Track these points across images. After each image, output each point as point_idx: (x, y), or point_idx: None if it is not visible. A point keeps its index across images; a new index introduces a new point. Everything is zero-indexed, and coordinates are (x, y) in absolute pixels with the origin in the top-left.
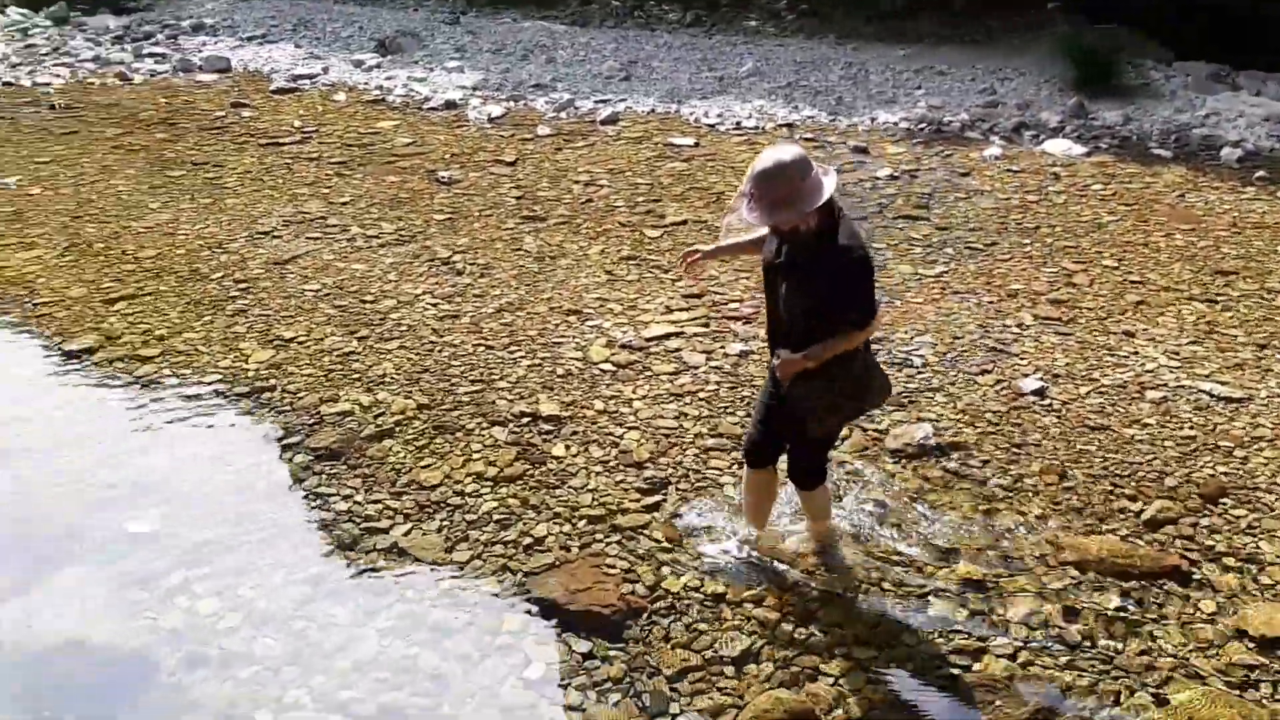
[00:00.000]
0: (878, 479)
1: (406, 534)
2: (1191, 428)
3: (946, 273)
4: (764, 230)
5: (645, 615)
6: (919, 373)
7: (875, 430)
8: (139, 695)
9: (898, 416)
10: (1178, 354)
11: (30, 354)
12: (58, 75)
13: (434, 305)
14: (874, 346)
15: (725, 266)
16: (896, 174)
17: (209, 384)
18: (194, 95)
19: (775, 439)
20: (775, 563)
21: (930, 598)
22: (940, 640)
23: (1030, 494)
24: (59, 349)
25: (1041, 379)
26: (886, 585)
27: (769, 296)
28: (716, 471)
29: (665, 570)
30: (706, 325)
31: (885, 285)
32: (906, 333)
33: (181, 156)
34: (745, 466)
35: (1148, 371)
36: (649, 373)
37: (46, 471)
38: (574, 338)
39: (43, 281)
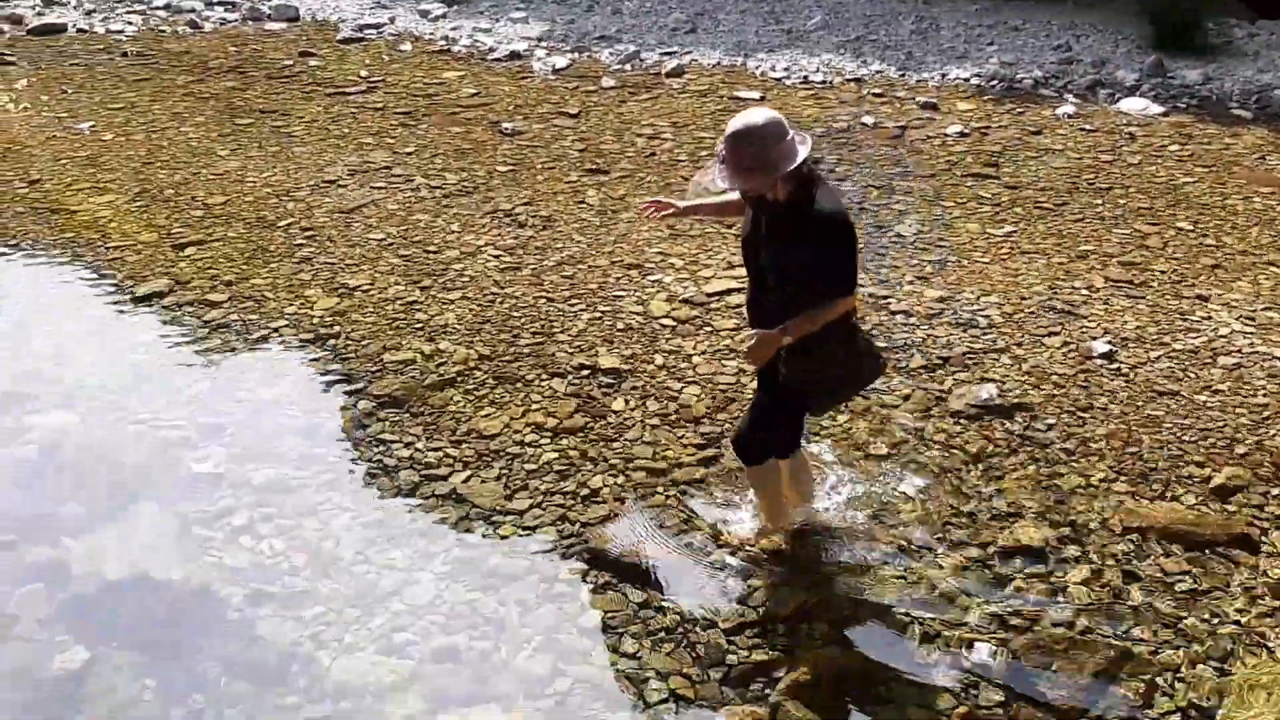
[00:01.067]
0: (940, 439)
1: (465, 481)
2: (1265, 395)
3: (1015, 232)
4: (736, 194)
5: (701, 568)
6: (984, 333)
7: (938, 390)
8: (205, 631)
9: (961, 376)
10: (1253, 319)
11: (102, 297)
12: (130, 23)
13: (496, 257)
14: (939, 305)
15: None
16: (966, 131)
17: (275, 329)
18: (262, 44)
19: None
20: (830, 524)
21: (989, 559)
22: (998, 603)
23: (1095, 458)
24: (130, 292)
25: (1111, 342)
26: (943, 548)
27: (748, 272)
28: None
29: (720, 526)
30: None
31: (952, 244)
32: (972, 292)
33: (250, 105)
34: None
35: (1221, 337)
36: (709, 328)
37: (117, 411)
38: (635, 292)
39: (115, 226)
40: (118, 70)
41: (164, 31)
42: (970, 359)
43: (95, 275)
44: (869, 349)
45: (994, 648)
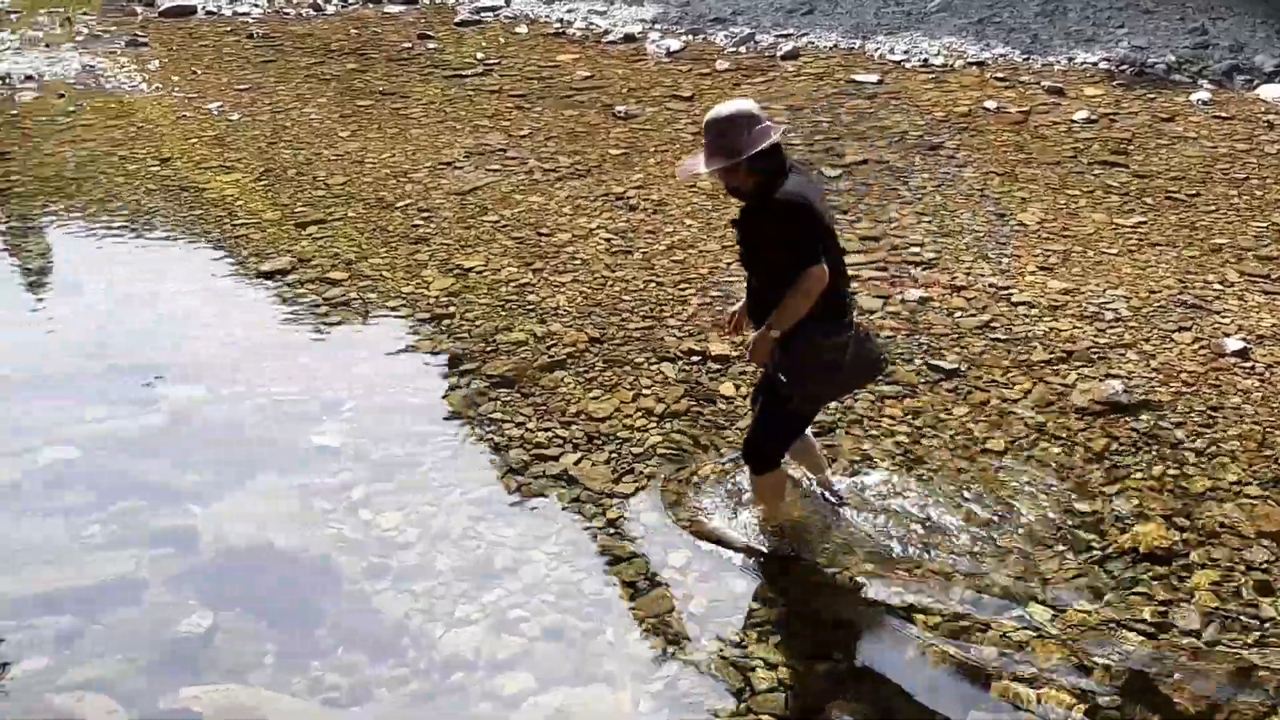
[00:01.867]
0: (1062, 435)
1: (576, 463)
2: None
3: (1144, 223)
4: None
5: (809, 561)
6: (1110, 327)
7: (1061, 384)
8: (322, 600)
9: (1085, 371)
10: None
11: (229, 272)
12: (256, 5)
13: (607, 240)
14: (1063, 297)
15: (907, 209)
16: (1094, 117)
17: (393, 308)
18: (382, 26)
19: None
20: (946, 520)
21: (1111, 561)
22: (1119, 606)
23: (1226, 460)
24: (255, 268)
25: (1245, 339)
26: (1061, 545)
27: (744, 269)
28: (891, 420)
29: (832, 516)
30: (884, 269)
31: (1077, 234)
32: (1098, 285)
33: (370, 87)
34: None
35: None
36: None
37: (242, 383)
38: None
39: (241, 204)
40: (244, 52)
41: (288, 14)
42: (1095, 354)
43: (222, 251)
44: (859, 345)
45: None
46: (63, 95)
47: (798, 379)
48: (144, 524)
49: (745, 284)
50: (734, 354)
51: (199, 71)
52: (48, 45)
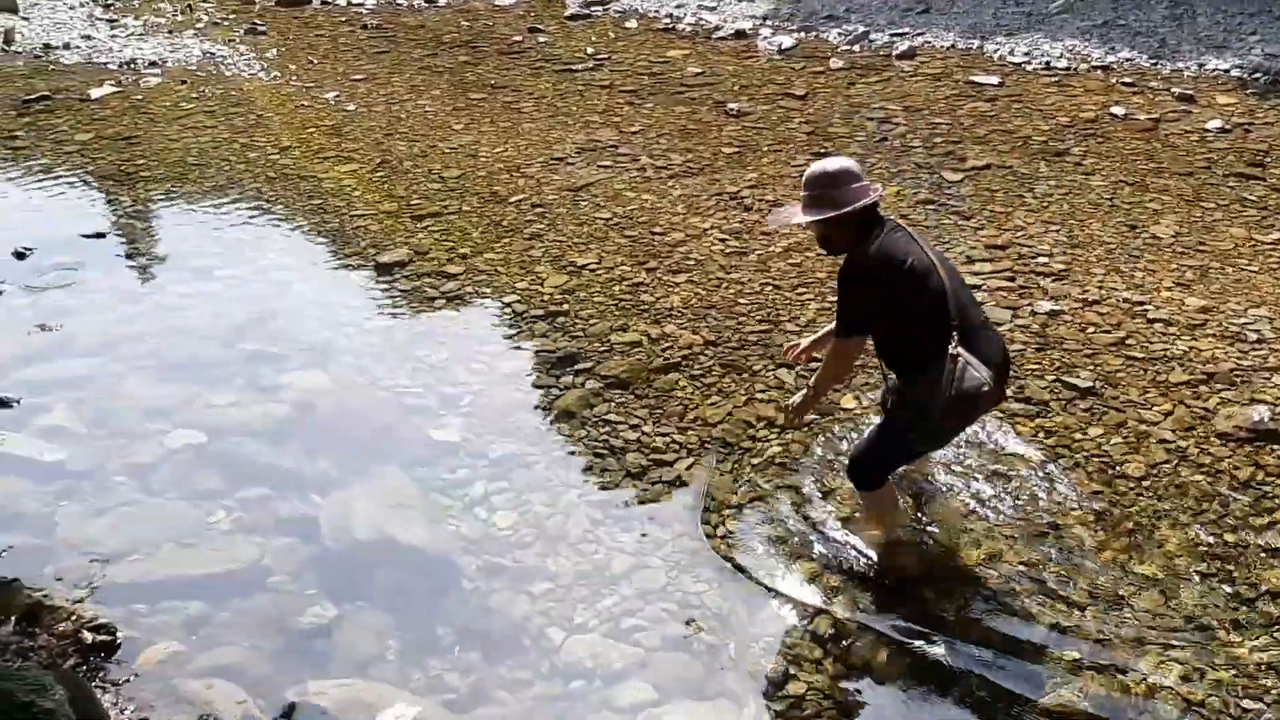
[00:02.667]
0: (1205, 461)
1: (689, 468)
2: None
3: None
4: None
5: (941, 582)
6: (1254, 348)
7: (1202, 408)
8: (441, 597)
9: (1228, 395)
10: None
11: (348, 263)
12: None
13: (722, 240)
14: (1202, 315)
15: (1034, 217)
16: (1227, 127)
17: (508, 304)
18: (493, 19)
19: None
20: (1083, 543)
21: (1259, 598)
22: (1264, 648)
23: None
24: (374, 260)
25: None
26: (1207, 581)
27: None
28: (1018, 440)
29: (963, 538)
30: (1012, 279)
31: (1214, 249)
32: (1239, 303)
33: (482, 80)
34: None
35: None
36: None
37: (363, 374)
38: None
39: (358, 195)
40: (358, 42)
41: (400, 5)
42: (1238, 376)
43: (341, 242)
44: (943, 391)
45: None
46: (185, 82)
47: (915, 422)
48: (269, 512)
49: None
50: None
51: (315, 61)
52: (170, 32)
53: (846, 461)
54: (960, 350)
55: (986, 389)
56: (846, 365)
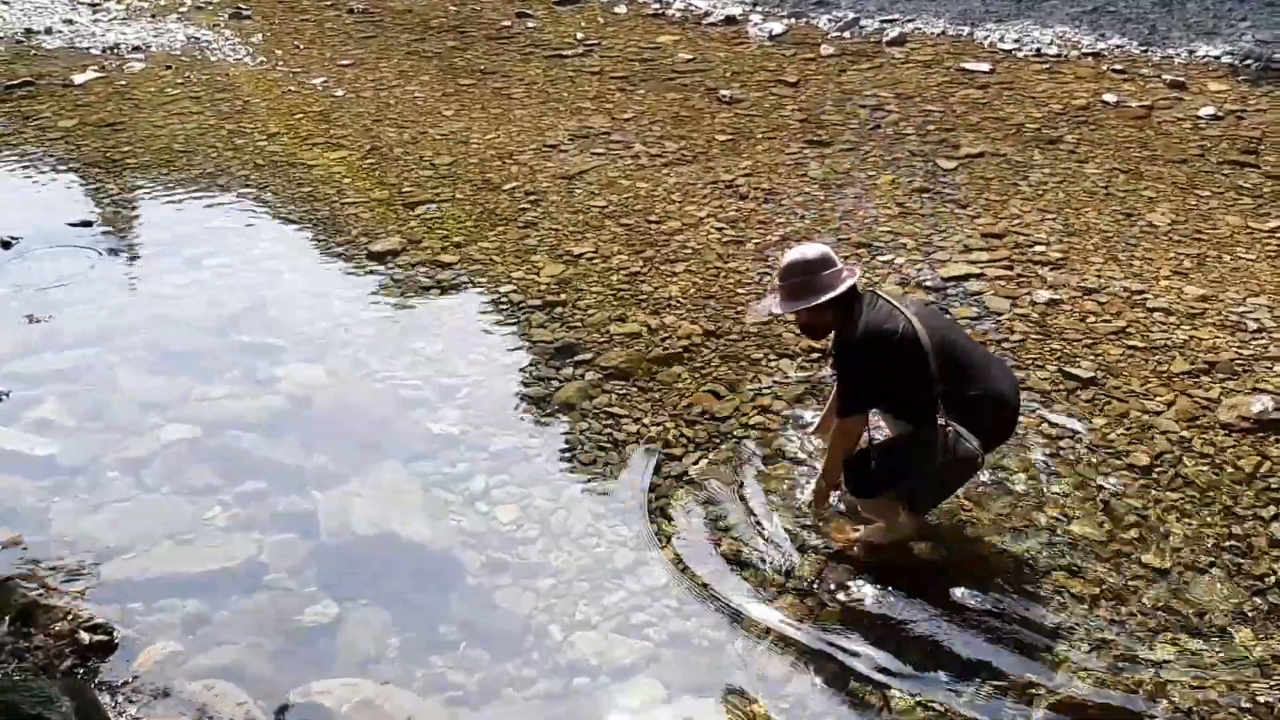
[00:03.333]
0: (1209, 452)
1: (695, 463)
2: None
3: None
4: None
5: (945, 577)
6: (1254, 337)
7: (1204, 398)
8: (444, 594)
9: (1230, 385)
10: None
11: (341, 252)
12: None
13: (719, 229)
14: (1201, 304)
15: (1029, 205)
16: (1219, 114)
17: (504, 294)
18: (480, 3)
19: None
20: (1090, 535)
21: (1267, 590)
22: (1274, 633)
23: None
24: (365, 249)
25: None
26: (1214, 573)
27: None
28: (1020, 430)
29: (967, 531)
30: (1010, 268)
31: (1211, 237)
32: (1238, 292)
33: (471, 65)
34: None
35: None
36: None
37: (359, 367)
38: (865, 274)
39: (348, 182)
40: (345, 27)
41: None
42: (1240, 366)
43: (332, 230)
44: (938, 455)
45: None
46: (170, 67)
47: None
48: (266, 507)
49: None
50: None
51: (301, 45)
52: (154, 16)
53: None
54: (950, 422)
55: (979, 459)
56: (853, 444)
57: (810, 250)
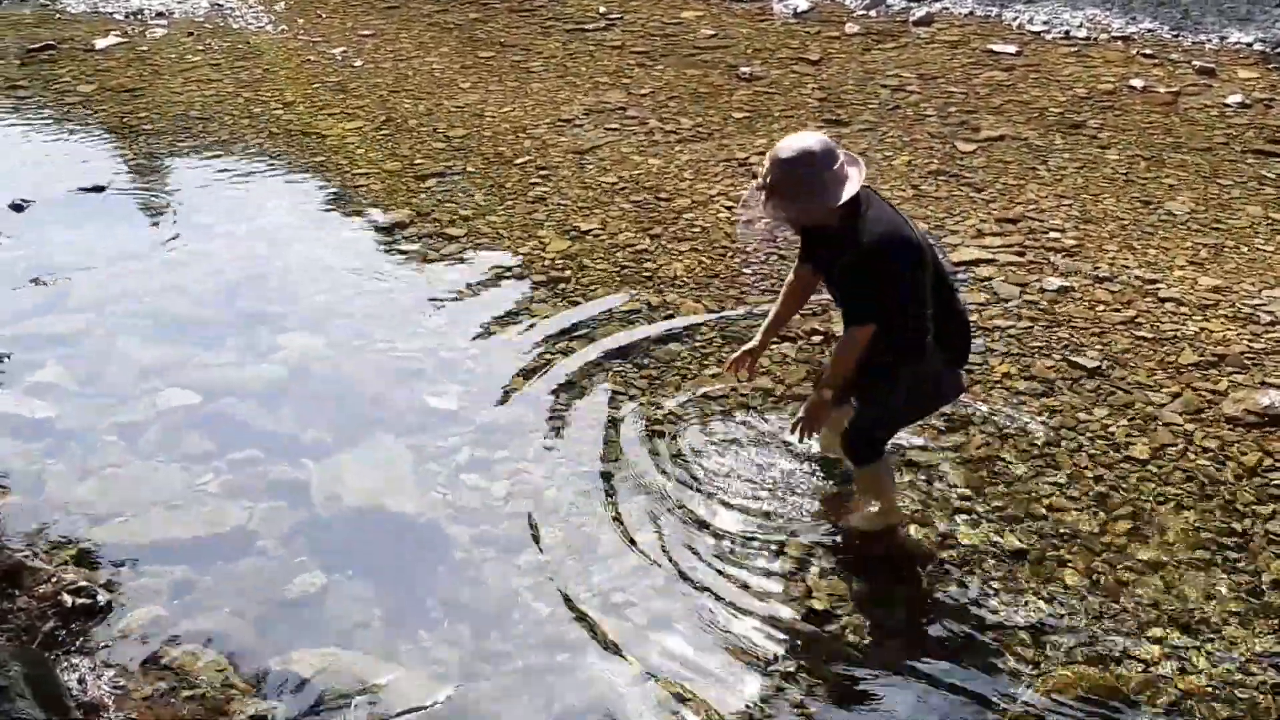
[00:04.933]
0: (1212, 446)
1: (690, 443)
2: None
3: None
4: (785, 296)
5: (935, 563)
6: (1266, 331)
7: (1210, 391)
8: (431, 568)
9: (1238, 379)
10: None
11: (349, 223)
12: None
13: (729, 208)
14: (1214, 296)
15: (1047, 191)
16: (1248, 102)
17: (509, 268)
18: None
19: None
20: (1083, 528)
21: (1263, 589)
22: (1268, 632)
23: None
24: (373, 221)
25: None
26: (1212, 569)
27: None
28: (1027, 417)
29: (960, 519)
30: (1022, 254)
31: (1230, 227)
32: (1253, 284)
33: (491, 37)
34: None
35: None
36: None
37: (360, 338)
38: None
39: (361, 153)
40: None
41: None
42: (1249, 359)
43: (342, 200)
44: (917, 381)
45: None
46: (191, 34)
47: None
48: (259, 476)
49: (771, 311)
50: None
51: (323, 15)
52: None
53: (842, 442)
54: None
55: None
56: (862, 354)
57: (812, 140)
